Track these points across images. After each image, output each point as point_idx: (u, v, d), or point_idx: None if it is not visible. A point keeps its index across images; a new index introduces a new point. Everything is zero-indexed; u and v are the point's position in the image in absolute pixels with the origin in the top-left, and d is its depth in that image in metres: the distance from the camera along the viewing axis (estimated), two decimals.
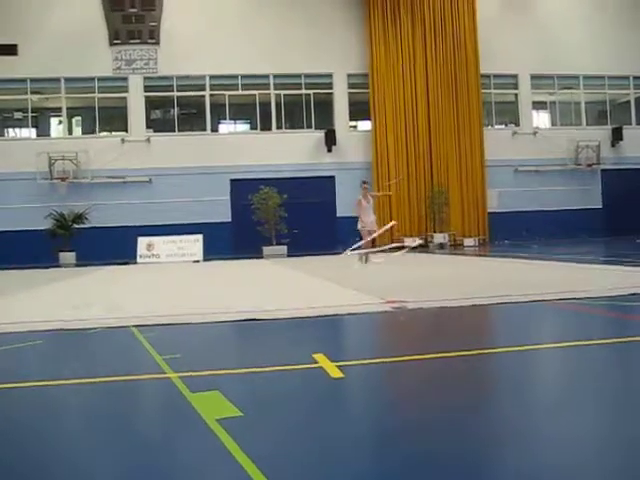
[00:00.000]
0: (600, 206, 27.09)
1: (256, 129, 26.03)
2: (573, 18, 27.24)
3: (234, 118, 27.31)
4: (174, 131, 25.41)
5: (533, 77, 27.09)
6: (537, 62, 26.70)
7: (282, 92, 25.69)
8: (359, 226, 15.51)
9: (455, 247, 23.87)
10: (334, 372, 3.90)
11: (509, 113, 28.07)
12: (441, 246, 23.99)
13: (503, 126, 28.14)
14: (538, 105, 28.13)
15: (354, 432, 2.97)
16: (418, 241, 19.07)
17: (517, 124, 27.35)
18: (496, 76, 26.91)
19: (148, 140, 24.74)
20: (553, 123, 28.24)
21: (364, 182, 16.16)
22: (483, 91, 26.42)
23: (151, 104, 25.90)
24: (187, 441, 2.84)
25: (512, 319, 6.26)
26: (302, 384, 3.87)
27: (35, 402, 3.75)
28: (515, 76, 27.05)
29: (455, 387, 3.67)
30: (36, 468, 2.62)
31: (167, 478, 2.45)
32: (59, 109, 25.11)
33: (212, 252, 21.67)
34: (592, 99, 28.41)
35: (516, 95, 27.36)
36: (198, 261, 21.28)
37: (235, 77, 25.28)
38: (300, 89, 25.84)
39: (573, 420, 2.98)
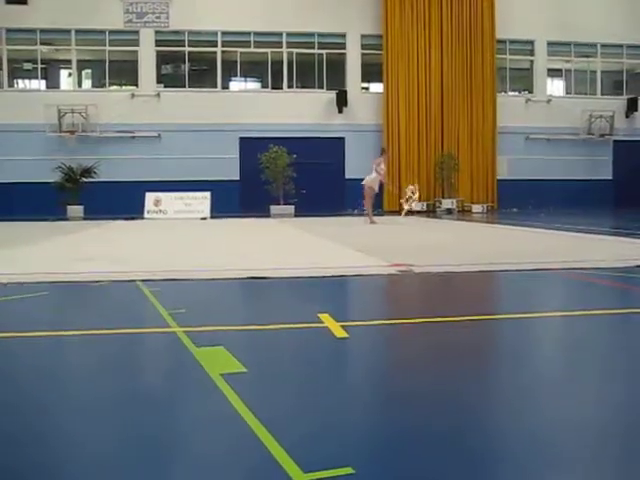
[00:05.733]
0: (610, 177, 26.86)
1: (267, 87, 25.75)
2: None
3: (245, 76, 27.02)
4: (184, 87, 25.15)
5: (550, 44, 26.61)
6: (554, 28, 26.17)
7: (294, 51, 25.36)
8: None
9: (463, 213, 23.78)
10: (339, 332, 3.92)
11: (523, 80, 27.66)
12: (449, 211, 23.91)
13: (516, 93, 27.78)
14: (553, 73, 27.69)
15: (356, 390, 2.99)
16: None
17: (531, 91, 26.97)
18: (512, 41, 26.46)
19: (158, 95, 24.54)
20: (567, 91, 27.81)
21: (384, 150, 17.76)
22: (498, 56, 26.02)
23: (162, 59, 25.60)
24: (191, 395, 2.87)
25: (517, 287, 6.26)
26: (306, 342, 3.89)
27: (40, 352, 3.78)
28: (531, 42, 26.57)
29: (457, 350, 3.68)
30: (41, 414, 2.65)
31: (171, 430, 2.47)
32: (69, 61, 24.86)
33: (219, 210, 21.66)
34: (608, 68, 27.92)
35: (531, 62, 26.93)
36: (205, 218, 21.28)
37: (247, 34, 24.93)
38: (313, 48, 25.47)
39: (573, 388, 2.99)
